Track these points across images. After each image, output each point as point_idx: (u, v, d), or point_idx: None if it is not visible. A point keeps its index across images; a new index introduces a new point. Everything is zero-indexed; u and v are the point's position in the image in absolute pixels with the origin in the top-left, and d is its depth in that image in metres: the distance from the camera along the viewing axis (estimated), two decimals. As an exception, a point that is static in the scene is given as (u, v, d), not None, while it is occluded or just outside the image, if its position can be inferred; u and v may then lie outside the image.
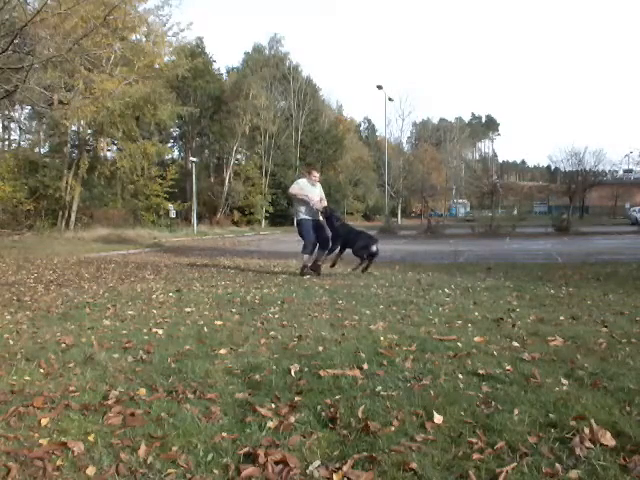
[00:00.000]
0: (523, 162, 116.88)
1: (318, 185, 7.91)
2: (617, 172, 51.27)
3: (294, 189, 7.78)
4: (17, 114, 26.38)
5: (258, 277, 7.46)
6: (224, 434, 2.01)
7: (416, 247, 15.48)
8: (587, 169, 42.84)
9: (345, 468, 1.72)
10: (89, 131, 26.57)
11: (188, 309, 4.81)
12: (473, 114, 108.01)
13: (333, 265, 7.72)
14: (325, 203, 7.84)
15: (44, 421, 2.15)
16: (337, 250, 7.61)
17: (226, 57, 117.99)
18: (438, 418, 2.09)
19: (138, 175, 26.99)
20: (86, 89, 17.66)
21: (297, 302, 5.13)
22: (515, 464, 1.72)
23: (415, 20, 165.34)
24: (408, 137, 70.24)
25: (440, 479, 1.68)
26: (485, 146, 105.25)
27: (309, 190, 7.69)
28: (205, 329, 3.92)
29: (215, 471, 1.76)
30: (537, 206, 62.23)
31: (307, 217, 7.68)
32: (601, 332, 3.57)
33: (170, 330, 3.89)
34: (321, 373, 2.69)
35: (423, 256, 11.71)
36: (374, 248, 7.35)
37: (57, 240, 18.98)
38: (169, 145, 37.73)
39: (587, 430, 1.91)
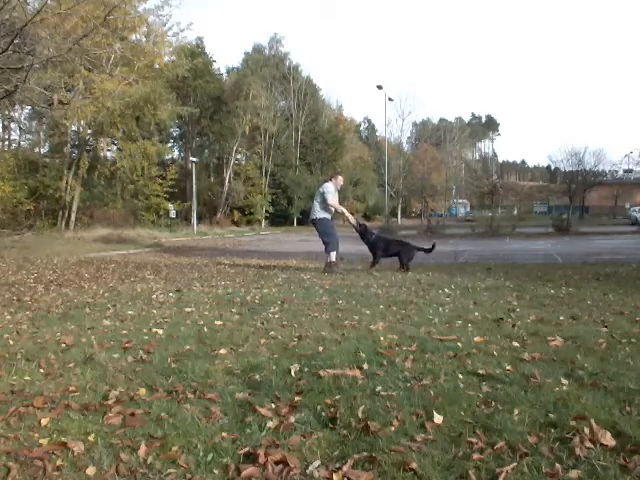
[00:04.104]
0: (523, 162, 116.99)
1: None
2: (617, 172, 51.28)
3: (334, 201, 8.12)
4: (17, 114, 26.43)
5: (258, 277, 7.46)
6: (224, 434, 2.01)
7: (416, 247, 15.44)
8: (587, 169, 42.93)
9: (345, 468, 1.72)
10: (89, 131, 26.57)
11: (188, 309, 4.81)
12: (473, 114, 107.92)
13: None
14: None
15: (44, 421, 2.15)
16: (377, 260, 8.39)
17: (226, 57, 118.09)
18: (438, 418, 2.08)
19: (138, 175, 26.99)
20: (86, 89, 17.68)
21: (297, 302, 5.13)
22: (515, 464, 1.72)
23: (415, 20, 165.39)
24: (408, 137, 70.31)
25: (440, 479, 1.68)
26: (485, 146, 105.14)
27: (335, 195, 8.19)
28: (205, 329, 3.91)
29: (215, 471, 1.75)
30: (537, 206, 62.25)
31: (327, 216, 8.12)
32: (601, 332, 3.56)
33: (170, 330, 3.88)
34: (321, 373, 2.69)
35: (423, 256, 11.69)
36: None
37: (57, 240, 18.98)
38: (169, 145, 37.70)
39: (587, 430, 1.90)
